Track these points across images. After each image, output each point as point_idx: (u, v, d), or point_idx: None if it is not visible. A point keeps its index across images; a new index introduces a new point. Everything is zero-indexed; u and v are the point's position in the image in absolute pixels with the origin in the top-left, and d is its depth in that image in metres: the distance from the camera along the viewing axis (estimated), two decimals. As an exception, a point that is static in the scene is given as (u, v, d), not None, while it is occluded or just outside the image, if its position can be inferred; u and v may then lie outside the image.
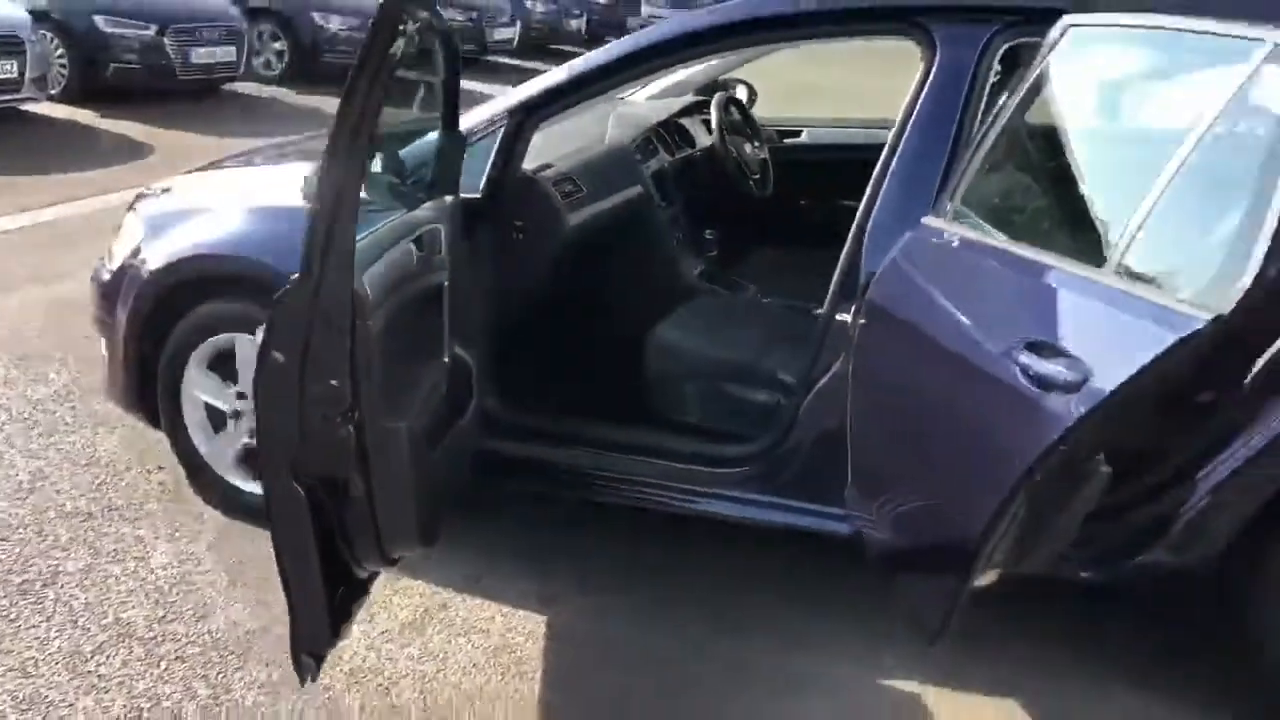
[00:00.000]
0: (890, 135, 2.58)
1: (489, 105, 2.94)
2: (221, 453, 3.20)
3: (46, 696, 2.45)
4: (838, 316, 2.59)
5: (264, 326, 1.95)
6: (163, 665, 2.58)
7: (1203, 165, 1.72)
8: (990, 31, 2.49)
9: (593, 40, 16.57)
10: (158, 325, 3.15)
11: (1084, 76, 2.25)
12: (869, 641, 2.75)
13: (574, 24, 15.70)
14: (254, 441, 3.06)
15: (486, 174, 2.83)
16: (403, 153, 2.67)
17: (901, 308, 2.29)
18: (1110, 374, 1.70)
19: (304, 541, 1.97)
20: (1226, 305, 1.60)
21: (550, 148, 3.16)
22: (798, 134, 4.25)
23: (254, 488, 3.17)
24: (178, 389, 3.17)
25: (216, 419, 3.21)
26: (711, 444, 2.82)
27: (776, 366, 2.99)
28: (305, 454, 1.94)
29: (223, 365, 3.14)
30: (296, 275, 1.87)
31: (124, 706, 2.44)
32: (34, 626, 2.68)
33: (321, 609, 2.02)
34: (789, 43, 2.75)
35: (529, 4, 14.64)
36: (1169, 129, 1.83)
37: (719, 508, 2.79)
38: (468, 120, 2.83)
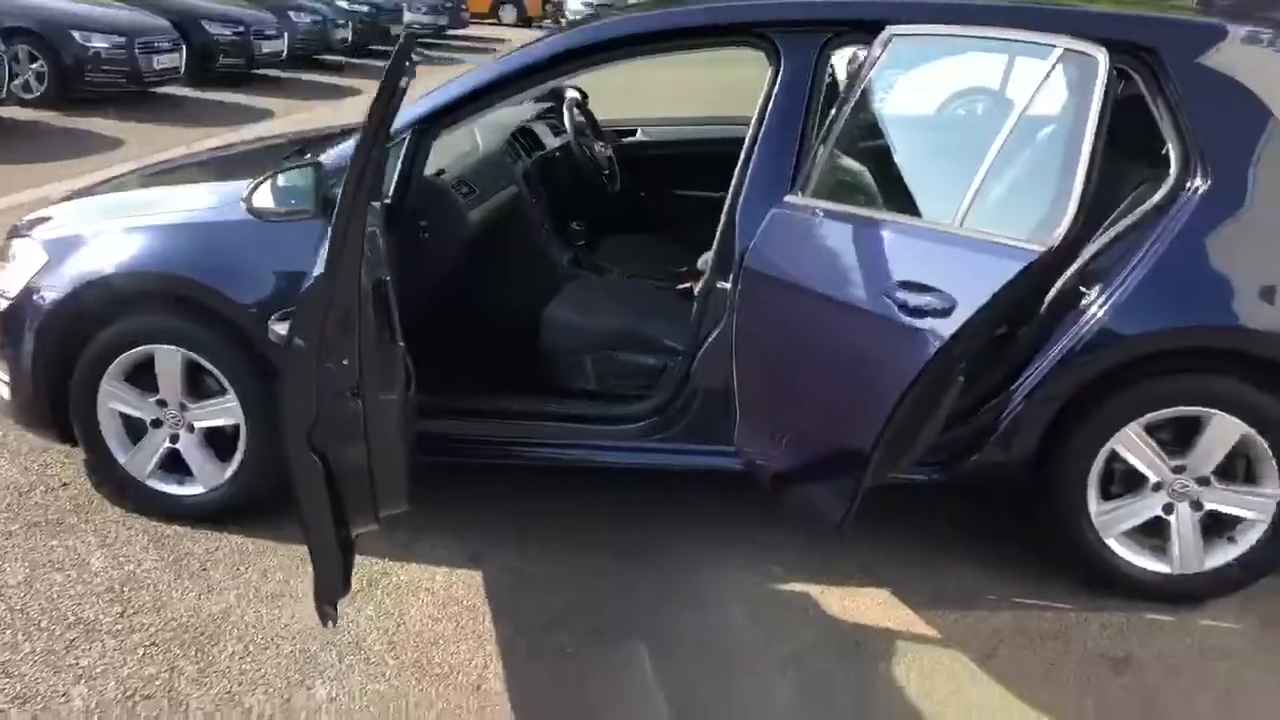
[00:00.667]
0: (750, 129, 3.07)
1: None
2: (143, 460, 3.37)
3: (38, 691, 2.63)
4: (718, 285, 3.07)
5: (288, 319, 2.24)
6: (140, 652, 2.79)
7: (1020, 141, 2.30)
8: (823, 40, 3.03)
9: (358, 50, 16.58)
10: (69, 343, 3.29)
11: (910, 76, 2.82)
12: (759, 555, 3.25)
13: (340, 34, 15.67)
14: (174, 445, 3.30)
15: (394, 179, 3.15)
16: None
17: (778, 269, 2.80)
18: (973, 299, 2.25)
19: (321, 504, 2.28)
20: (1054, 240, 2.17)
21: (433, 155, 3.50)
22: (633, 133, 4.72)
23: (175, 489, 3.39)
24: (93, 403, 3.32)
25: (132, 429, 3.38)
26: (614, 404, 3.26)
27: (657, 334, 3.45)
28: (320, 426, 2.25)
29: (138, 377, 3.31)
30: (319, 273, 2.18)
31: (117, 688, 2.65)
32: (3, 634, 2.82)
33: (337, 563, 2.33)
34: (660, 53, 3.21)
35: (294, 16, 14.53)
36: (988, 115, 2.40)
37: (627, 458, 3.23)
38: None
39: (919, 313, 2.34)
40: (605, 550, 3.28)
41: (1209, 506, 2.98)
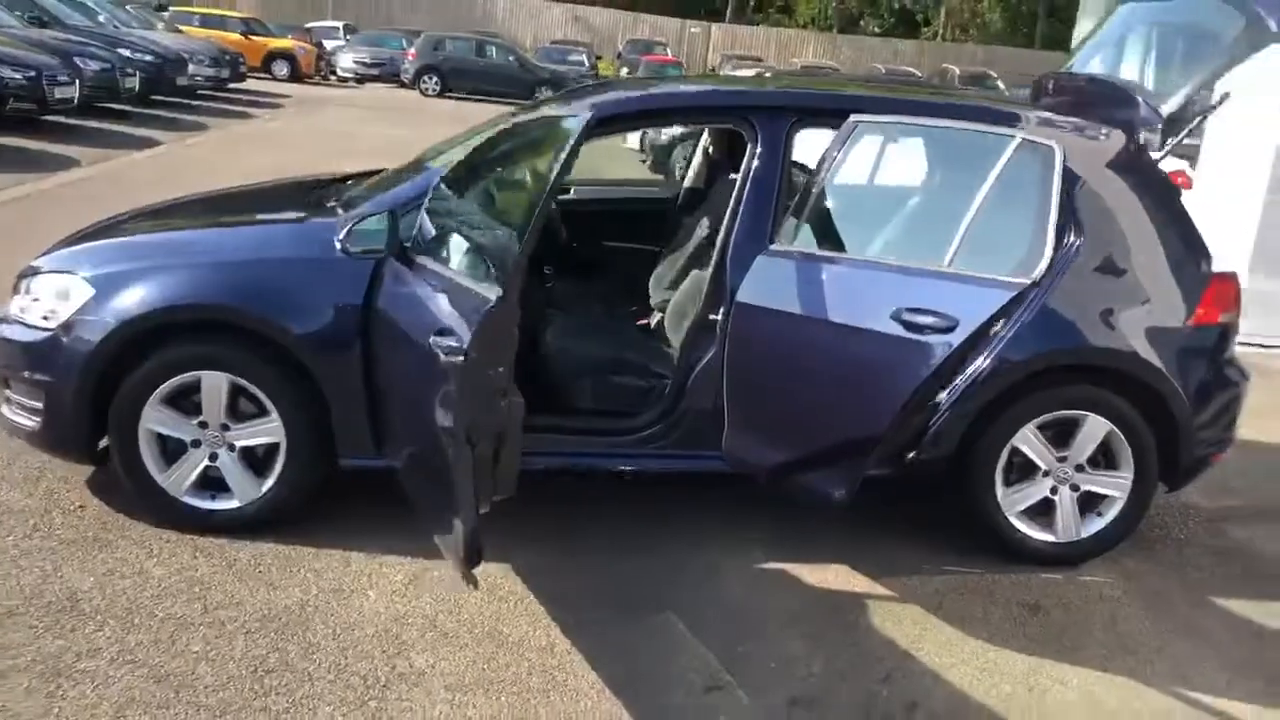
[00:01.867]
0: (735, 189, 3.78)
1: None
2: (181, 478, 3.68)
3: (168, 672, 2.95)
4: (710, 317, 3.74)
5: (444, 334, 2.74)
6: (240, 638, 3.14)
7: (994, 202, 3.12)
8: (789, 122, 3.79)
9: (144, 99, 16.27)
10: (112, 371, 3.59)
11: (871, 155, 3.62)
12: (739, 543, 3.91)
13: (129, 82, 15.36)
14: (214, 464, 3.64)
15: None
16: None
17: (772, 301, 3.50)
18: (974, 319, 3.04)
19: (471, 488, 2.78)
20: (1037, 276, 3.00)
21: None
22: (568, 191, 5.32)
23: (209, 504, 3.71)
24: (135, 426, 3.62)
25: (169, 449, 3.69)
26: (619, 419, 3.85)
27: (640, 360, 4.09)
28: (477, 422, 2.75)
29: (175, 400, 3.64)
30: (498, 297, 2.70)
31: (237, 666, 3.00)
32: (102, 630, 3.11)
33: (478, 538, 2.82)
34: (665, 126, 3.88)
35: (81, 63, 14.18)
36: (959, 184, 3.22)
37: (630, 464, 3.83)
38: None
39: (924, 330, 3.10)
40: (611, 545, 3.84)
41: (1084, 488, 3.87)
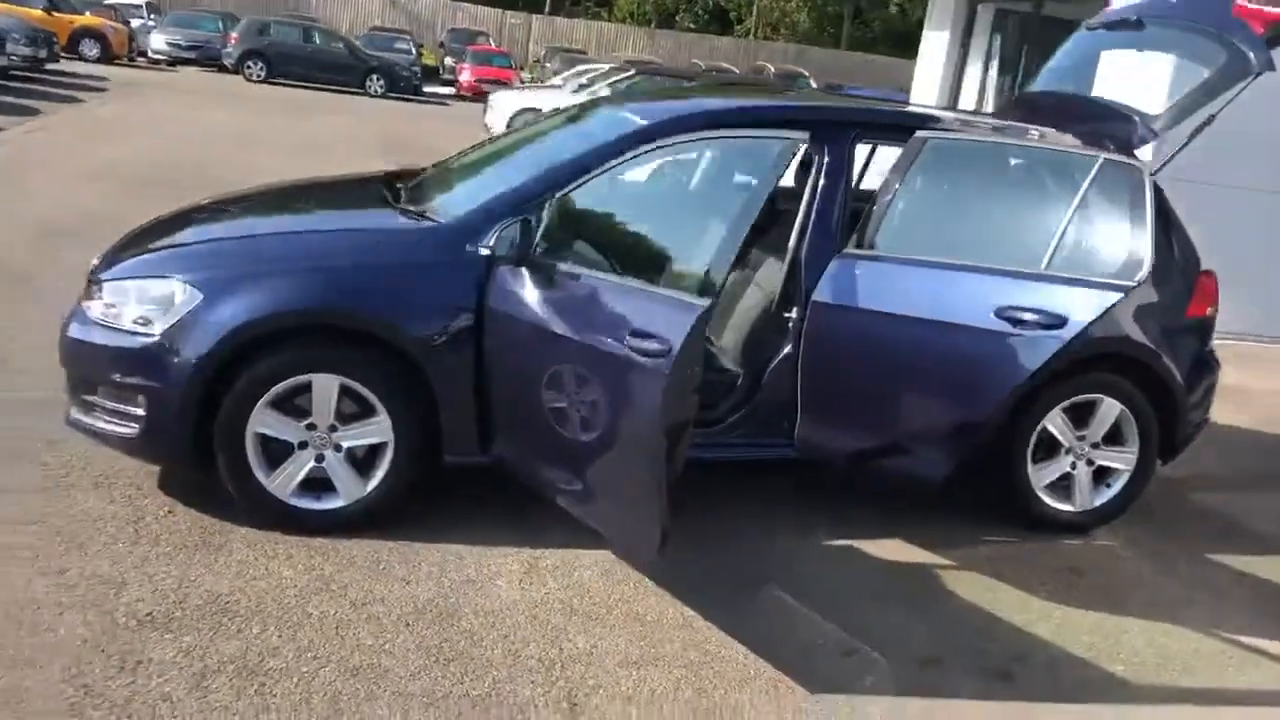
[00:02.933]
0: (804, 198, 4.10)
1: None
2: (288, 480, 3.74)
3: (365, 665, 3.07)
4: (784, 315, 4.06)
5: (639, 335, 2.96)
6: (404, 626, 3.27)
7: (1084, 215, 3.56)
8: (851, 135, 4.15)
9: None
10: (221, 376, 3.61)
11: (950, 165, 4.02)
12: (807, 525, 4.26)
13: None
14: (319, 464, 3.73)
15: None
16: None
17: (855, 301, 3.86)
18: (1083, 317, 3.47)
19: (666, 477, 3.01)
20: (1142, 278, 3.47)
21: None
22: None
23: (313, 504, 3.78)
24: (243, 430, 3.65)
25: (272, 452, 3.73)
26: (701, 411, 4.12)
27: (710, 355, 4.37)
28: (678, 418, 2.99)
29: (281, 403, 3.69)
30: (710, 304, 2.93)
31: (421, 652, 3.14)
32: (268, 630, 3.19)
33: (668, 520, 3.07)
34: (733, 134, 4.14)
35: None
36: (1041, 197, 3.64)
37: (711, 453, 4.10)
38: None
39: (1029, 325, 3.51)
40: (694, 529, 4.09)
41: (1098, 463, 4.39)
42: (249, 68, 25.78)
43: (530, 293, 3.53)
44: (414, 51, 30.66)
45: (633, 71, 16.44)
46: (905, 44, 44.82)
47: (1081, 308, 3.57)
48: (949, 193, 4.13)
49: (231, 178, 8.46)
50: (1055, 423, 4.28)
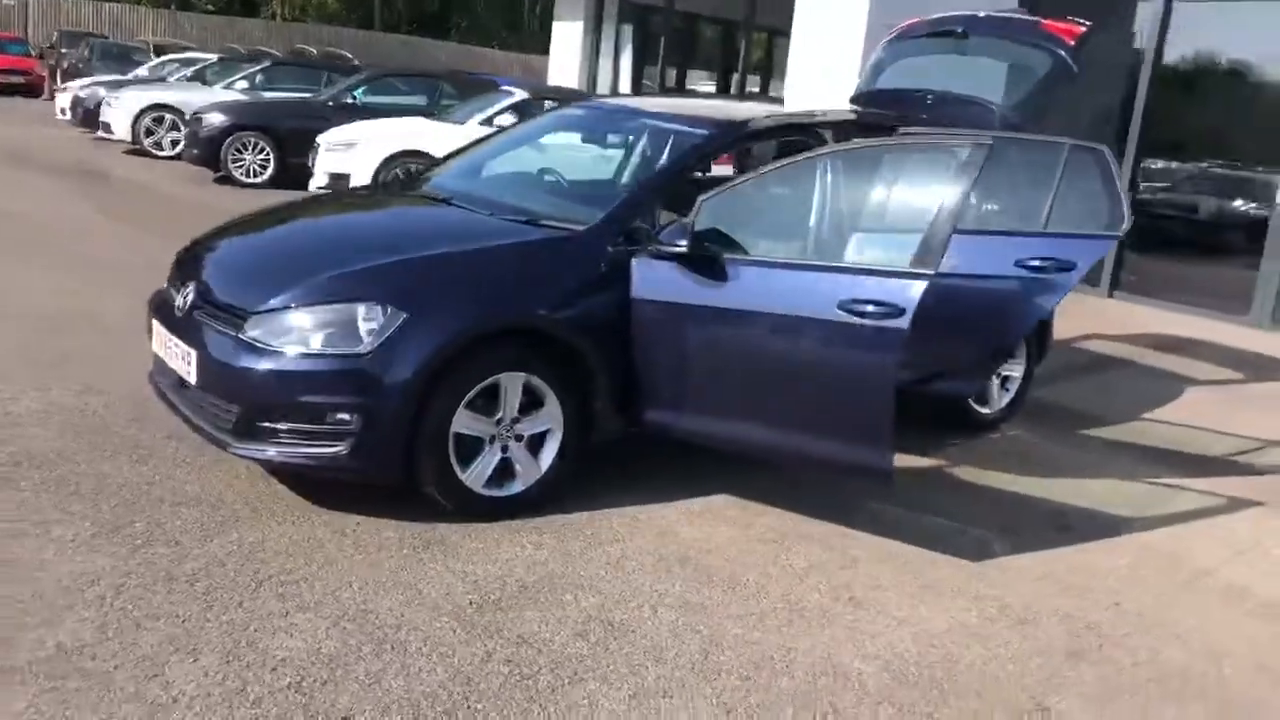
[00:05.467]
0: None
1: None
2: (481, 473, 4.11)
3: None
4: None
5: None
6: (679, 584, 3.87)
7: (1065, 188, 4.80)
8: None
9: None
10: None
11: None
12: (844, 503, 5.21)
13: None
14: (506, 455, 4.16)
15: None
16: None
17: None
18: (1087, 261, 4.71)
19: (894, 410, 3.85)
20: (1124, 231, 4.75)
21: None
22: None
23: (497, 492, 4.18)
24: (446, 432, 3.99)
25: (463, 450, 4.08)
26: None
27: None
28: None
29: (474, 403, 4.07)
30: (935, 273, 3.76)
31: (721, 617, 3.78)
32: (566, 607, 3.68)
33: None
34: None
35: None
36: (1025, 179, 4.85)
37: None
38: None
39: (1045, 271, 4.68)
40: (779, 492, 4.88)
41: (1003, 373, 5.77)
42: None
43: (693, 280, 4.12)
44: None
45: (268, 63, 15.99)
46: (435, 25, 45.86)
47: (1087, 254, 4.81)
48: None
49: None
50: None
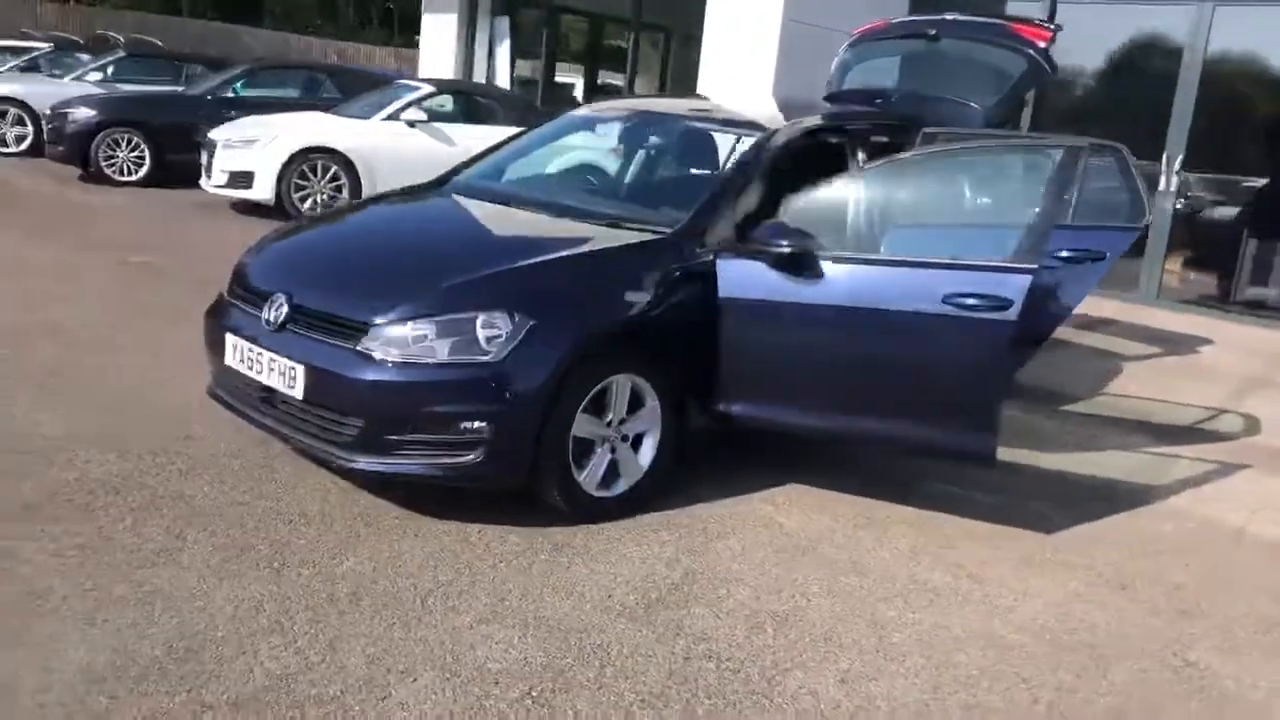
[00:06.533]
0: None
1: None
2: (594, 474, 4.16)
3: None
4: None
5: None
6: (827, 573, 4.03)
7: (1087, 188, 5.16)
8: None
9: None
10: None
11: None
12: (899, 484, 5.46)
13: None
14: (615, 456, 4.24)
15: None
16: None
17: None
18: (1116, 252, 5.07)
19: (1003, 397, 4.09)
20: (1148, 221, 5.11)
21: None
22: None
23: (604, 493, 4.23)
24: (567, 435, 4.03)
25: (577, 452, 4.12)
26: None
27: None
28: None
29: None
30: (1039, 267, 4.00)
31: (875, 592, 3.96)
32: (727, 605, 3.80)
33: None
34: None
35: None
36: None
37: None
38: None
39: (1081, 261, 5.01)
40: (847, 498, 5.08)
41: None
42: None
43: (788, 279, 4.24)
44: None
45: (121, 54, 15.12)
46: (247, 11, 43.96)
47: (1116, 245, 5.15)
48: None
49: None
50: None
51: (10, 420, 4.65)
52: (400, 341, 3.81)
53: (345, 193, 10.68)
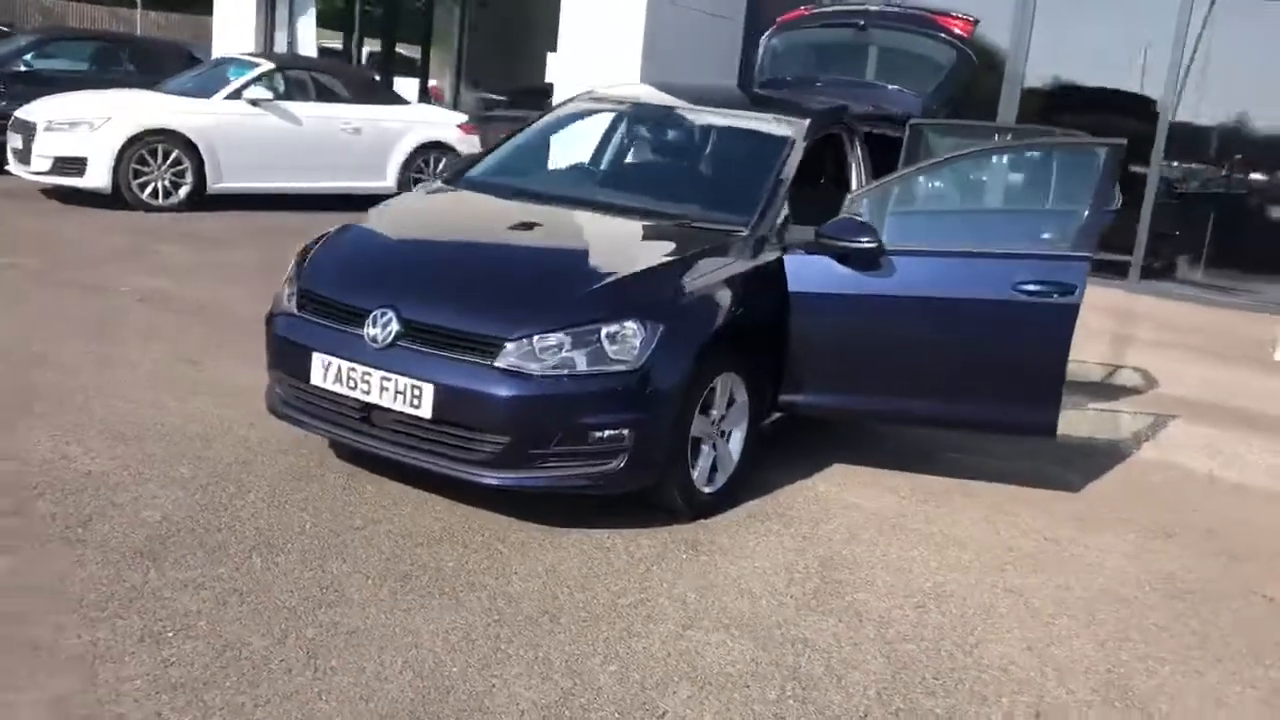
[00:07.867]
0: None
1: None
2: (704, 471, 4.26)
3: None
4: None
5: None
6: (946, 549, 4.30)
7: (1058, 180, 5.61)
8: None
9: None
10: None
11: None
12: (926, 455, 5.78)
13: None
14: (718, 452, 4.38)
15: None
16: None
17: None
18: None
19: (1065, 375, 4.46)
20: (1117, 205, 5.61)
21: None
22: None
23: (708, 489, 4.33)
24: (688, 435, 4.12)
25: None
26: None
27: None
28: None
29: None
30: (1089, 251, 4.36)
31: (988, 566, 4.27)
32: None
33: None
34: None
35: None
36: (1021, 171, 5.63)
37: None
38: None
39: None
40: (896, 474, 5.32)
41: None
42: None
43: (859, 272, 4.45)
44: None
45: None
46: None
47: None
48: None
49: None
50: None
51: (33, 446, 4.22)
52: (538, 355, 3.77)
53: (189, 178, 9.96)
